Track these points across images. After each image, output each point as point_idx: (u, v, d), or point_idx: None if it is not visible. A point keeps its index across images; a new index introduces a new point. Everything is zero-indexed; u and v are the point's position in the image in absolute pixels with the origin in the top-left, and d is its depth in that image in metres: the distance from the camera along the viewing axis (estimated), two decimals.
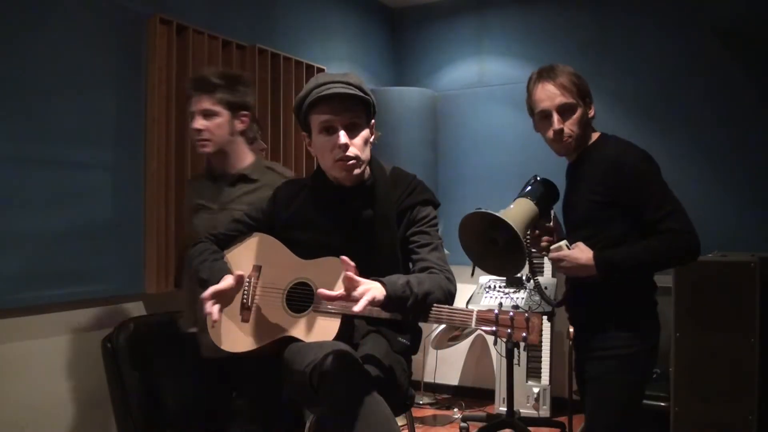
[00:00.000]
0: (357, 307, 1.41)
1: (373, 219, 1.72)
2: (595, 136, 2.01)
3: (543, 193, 2.00)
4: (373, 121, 1.77)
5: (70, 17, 2.57)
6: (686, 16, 3.81)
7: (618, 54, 4.00)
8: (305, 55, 3.71)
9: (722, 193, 3.70)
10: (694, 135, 3.78)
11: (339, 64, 4.10)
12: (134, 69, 2.81)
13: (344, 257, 1.47)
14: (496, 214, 1.83)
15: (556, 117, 1.91)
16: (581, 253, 1.86)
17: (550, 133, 1.93)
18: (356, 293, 1.44)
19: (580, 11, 4.12)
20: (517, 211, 1.90)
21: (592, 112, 2.00)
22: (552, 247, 1.93)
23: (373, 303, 1.45)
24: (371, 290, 1.45)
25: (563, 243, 1.92)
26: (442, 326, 3.82)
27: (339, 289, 1.64)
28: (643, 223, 1.86)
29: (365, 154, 1.72)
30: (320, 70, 3.76)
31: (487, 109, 4.36)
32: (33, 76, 2.44)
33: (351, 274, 1.45)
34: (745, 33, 3.66)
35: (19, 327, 2.40)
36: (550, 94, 1.92)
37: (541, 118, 1.97)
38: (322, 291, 1.46)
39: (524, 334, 1.51)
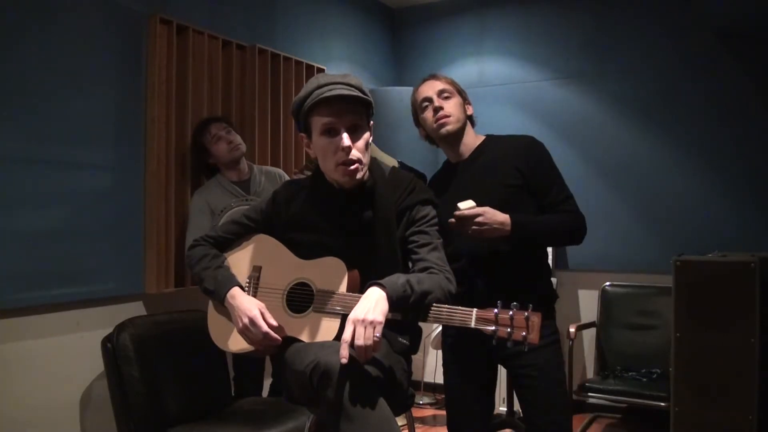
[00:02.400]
0: (374, 338, 1.46)
1: (373, 221, 1.72)
2: (480, 137, 2.18)
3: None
4: (371, 122, 1.77)
5: (70, 17, 2.57)
6: (686, 17, 3.81)
7: (618, 54, 4.00)
8: (305, 55, 3.71)
9: (722, 193, 3.70)
10: (694, 135, 3.78)
11: (339, 64, 4.11)
12: (134, 69, 2.81)
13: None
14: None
15: (436, 99, 2.10)
16: (497, 212, 1.92)
17: (430, 114, 2.11)
18: (366, 338, 1.46)
19: (580, 11, 4.12)
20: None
21: (470, 110, 2.17)
22: (462, 204, 1.91)
23: (383, 321, 1.49)
24: (373, 316, 1.47)
25: (471, 202, 1.91)
26: (442, 326, 3.82)
27: (339, 289, 1.64)
28: (544, 204, 2.04)
29: (366, 157, 1.72)
30: (320, 70, 3.76)
31: (487, 109, 4.35)
32: (33, 76, 2.44)
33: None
34: (745, 33, 3.66)
35: (19, 327, 2.40)
36: (431, 85, 2.14)
37: (423, 109, 2.14)
38: (344, 356, 1.46)
39: (524, 334, 1.50)
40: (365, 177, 1.75)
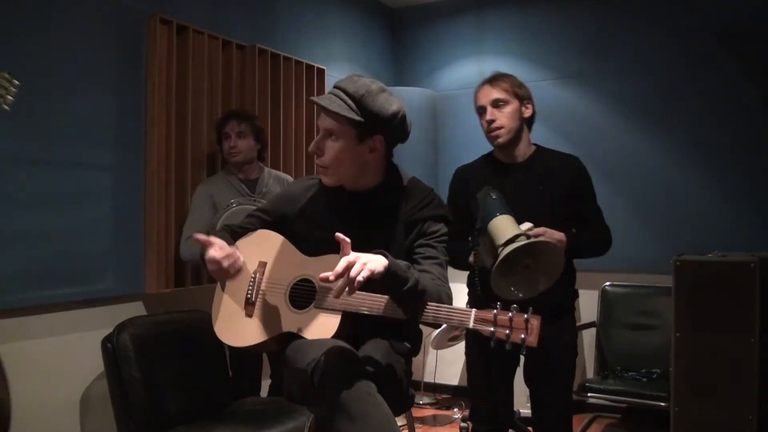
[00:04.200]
0: (358, 277, 1.43)
1: (380, 225, 1.73)
2: (532, 146, 2.34)
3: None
4: (378, 136, 1.73)
5: (71, 17, 2.57)
6: (686, 16, 3.81)
7: (618, 54, 4.00)
8: (305, 55, 3.71)
9: (722, 193, 3.70)
10: (694, 135, 3.78)
11: (339, 64, 4.10)
12: (134, 69, 2.81)
13: (339, 235, 1.50)
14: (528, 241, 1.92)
15: (489, 110, 2.24)
16: (555, 231, 2.11)
17: (484, 123, 2.27)
18: (353, 271, 1.44)
19: (579, 11, 4.12)
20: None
21: (528, 112, 2.28)
22: (522, 226, 2.02)
23: (372, 275, 1.45)
24: (369, 263, 1.46)
25: (528, 224, 2.04)
26: (442, 327, 3.82)
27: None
28: (581, 216, 2.28)
29: (341, 168, 1.73)
30: (320, 70, 3.76)
31: None
32: (33, 76, 2.44)
33: (348, 254, 1.48)
34: (744, 33, 3.66)
35: (19, 327, 2.40)
36: (486, 93, 2.27)
37: (479, 115, 2.30)
38: (323, 275, 1.46)
39: (522, 336, 1.49)
40: (377, 180, 1.77)
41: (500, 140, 2.25)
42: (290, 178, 3.17)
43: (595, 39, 4.06)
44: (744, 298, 2.78)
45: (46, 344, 2.49)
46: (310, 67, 3.69)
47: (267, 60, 3.40)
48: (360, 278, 1.43)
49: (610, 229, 2.33)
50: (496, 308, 1.53)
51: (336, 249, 1.68)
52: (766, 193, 3.59)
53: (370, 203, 1.76)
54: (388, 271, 1.50)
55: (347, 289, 1.46)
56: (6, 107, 1.89)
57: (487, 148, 2.42)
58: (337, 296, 1.50)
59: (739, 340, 2.78)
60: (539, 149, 2.34)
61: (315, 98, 1.72)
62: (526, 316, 1.50)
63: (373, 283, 1.49)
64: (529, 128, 2.33)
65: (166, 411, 2.39)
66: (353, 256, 1.48)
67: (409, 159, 3.82)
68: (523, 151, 2.30)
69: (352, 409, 1.45)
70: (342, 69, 4.08)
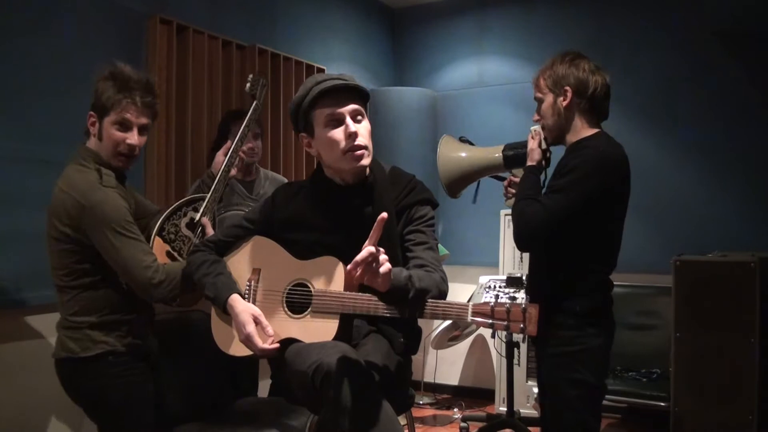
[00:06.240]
0: (381, 269, 1.43)
1: (373, 218, 1.72)
2: (590, 130, 2.10)
3: (521, 155, 2.22)
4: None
5: (71, 17, 2.57)
6: (686, 17, 3.81)
7: (618, 54, 4.00)
8: (305, 55, 3.71)
9: (722, 193, 3.70)
10: (694, 135, 3.78)
11: (339, 64, 4.11)
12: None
13: (384, 215, 1.48)
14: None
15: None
16: (536, 152, 2.14)
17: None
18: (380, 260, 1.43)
19: (580, 11, 4.12)
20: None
21: (566, 102, 2.08)
22: (538, 128, 2.17)
23: (385, 276, 1.45)
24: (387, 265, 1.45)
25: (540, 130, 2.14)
26: (442, 326, 3.83)
27: (336, 288, 1.65)
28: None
29: (371, 145, 1.76)
30: (320, 70, 3.76)
31: (487, 109, 4.36)
32: (33, 76, 2.44)
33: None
34: (744, 33, 3.66)
35: (19, 327, 2.40)
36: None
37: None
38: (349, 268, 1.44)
39: (522, 326, 1.48)
40: (366, 173, 1.76)
41: (549, 138, 2.25)
42: (285, 180, 3.16)
43: (595, 39, 4.06)
44: (744, 298, 2.79)
45: (46, 344, 2.49)
46: (310, 67, 3.69)
47: (267, 60, 3.40)
48: (384, 269, 1.43)
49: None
50: (492, 301, 1.53)
51: (330, 251, 1.68)
52: (766, 193, 3.59)
53: (360, 198, 1.75)
54: (391, 288, 1.50)
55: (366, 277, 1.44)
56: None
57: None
58: (357, 283, 1.47)
59: (739, 340, 2.78)
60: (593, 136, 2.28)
61: (330, 83, 1.69)
62: (523, 305, 1.50)
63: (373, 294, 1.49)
64: None
65: (167, 411, 2.39)
66: (374, 248, 1.45)
67: (408, 159, 3.83)
68: (560, 134, 2.25)
69: (356, 409, 1.45)
70: (342, 69, 4.08)
